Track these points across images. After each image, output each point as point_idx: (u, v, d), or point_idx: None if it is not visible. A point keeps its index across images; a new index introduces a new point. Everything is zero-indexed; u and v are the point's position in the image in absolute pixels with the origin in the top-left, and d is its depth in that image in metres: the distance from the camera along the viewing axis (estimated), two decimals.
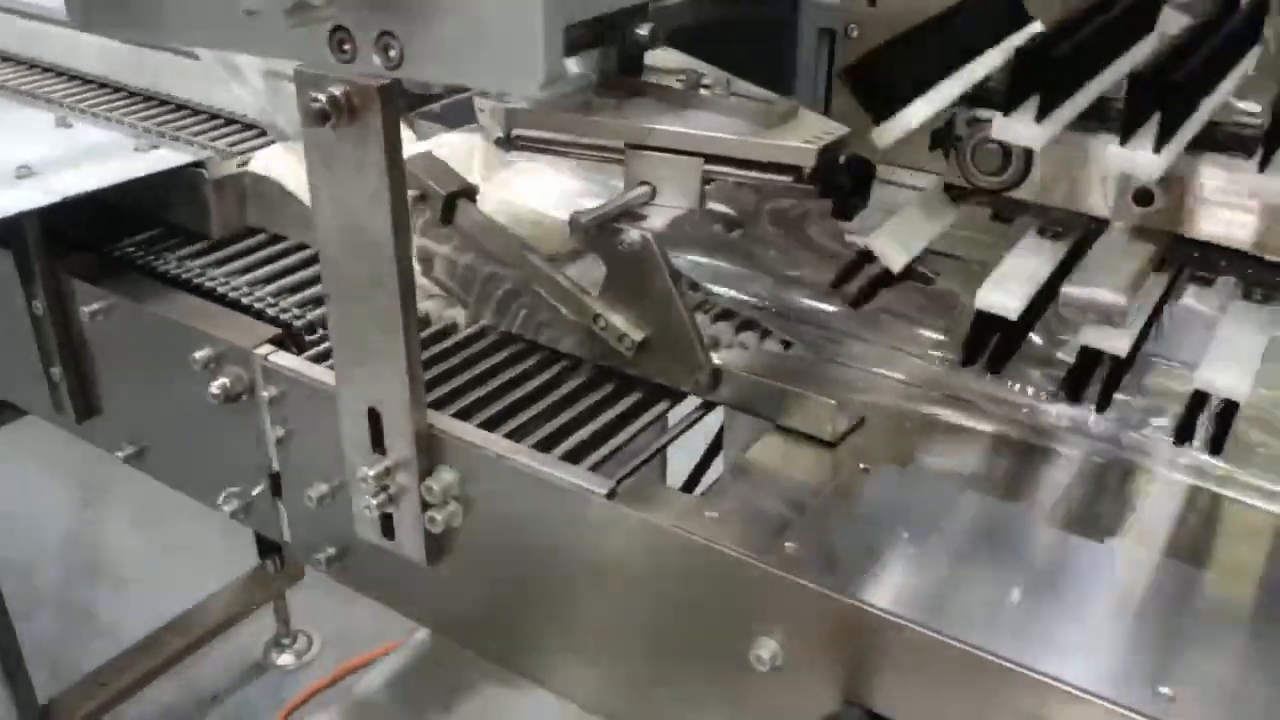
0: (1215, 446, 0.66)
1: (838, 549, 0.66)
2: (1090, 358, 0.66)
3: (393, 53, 0.50)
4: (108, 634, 1.91)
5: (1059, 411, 0.73)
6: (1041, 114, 0.63)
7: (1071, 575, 0.64)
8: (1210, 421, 0.66)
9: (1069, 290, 0.61)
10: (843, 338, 0.84)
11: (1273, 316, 0.67)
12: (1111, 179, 0.65)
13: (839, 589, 0.62)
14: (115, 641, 1.79)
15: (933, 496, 0.70)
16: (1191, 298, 0.73)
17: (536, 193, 0.91)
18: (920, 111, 0.69)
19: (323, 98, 0.62)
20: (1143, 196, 0.64)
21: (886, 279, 0.74)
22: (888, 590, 0.62)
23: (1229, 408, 0.64)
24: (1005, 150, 0.68)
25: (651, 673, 0.73)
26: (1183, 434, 0.66)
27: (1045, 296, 0.65)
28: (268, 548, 1.81)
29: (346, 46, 0.51)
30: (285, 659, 1.88)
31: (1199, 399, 0.65)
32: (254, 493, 0.92)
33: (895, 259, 0.73)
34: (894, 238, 0.73)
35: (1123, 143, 0.61)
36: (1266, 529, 0.67)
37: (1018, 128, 0.63)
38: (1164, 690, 0.55)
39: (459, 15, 0.46)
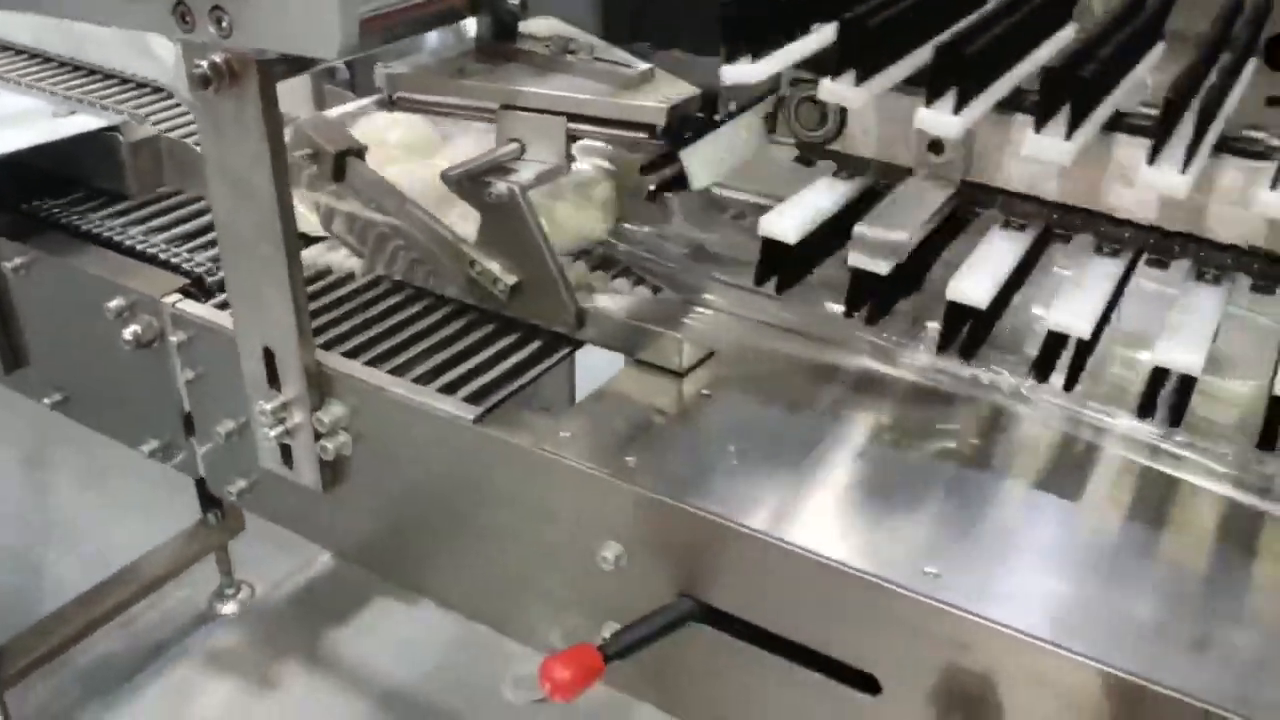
0: (1175, 417, 0.69)
1: (673, 462, 0.75)
2: (1056, 340, 0.70)
3: (224, 23, 0.58)
4: (56, 590, 1.98)
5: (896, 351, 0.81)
6: (860, 79, 0.70)
7: (872, 480, 0.73)
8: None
9: (860, 229, 0.69)
10: (707, 283, 0.92)
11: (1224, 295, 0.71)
12: (913, 134, 0.73)
13: (671, 495, 0.71)
14: (64, 596, 1.86)
15: (765, 418, 0.79)
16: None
17: None
18: (760, 69, 0.75)
19: (204, 64, 0.69)
20: (935, 146, 0.72)
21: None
22: (713, 496, 0.71)
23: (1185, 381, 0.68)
24: (822, 108, 0.76)
25: (519, 578, 0.81)
26: (1144, 410, 0.69)
27: (831, 228, 0.74)
28: (209, 502, 1.88)
29: (188, 18, 0.59)
30: (229, 608, 1.95)
31: (1159, 375, 0.68)
32: (170, 433, 0.99)
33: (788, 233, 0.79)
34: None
35: (928, 104, 0.68)
36: (1046, 440, 0.76)
37: (839, 89, 0.70)
38: (930, 569, 0.64)
39: None
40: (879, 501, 0.71)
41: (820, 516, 0.70)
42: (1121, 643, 0.60)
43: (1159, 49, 0.77)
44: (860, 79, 0.69)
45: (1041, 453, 0.76)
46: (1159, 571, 0.66)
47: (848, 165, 0.78)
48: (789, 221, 0.72)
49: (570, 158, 0.87)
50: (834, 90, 0.69)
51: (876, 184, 0.77)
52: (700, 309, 0.89)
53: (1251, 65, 0.74)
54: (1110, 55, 0.66)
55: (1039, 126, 0.64)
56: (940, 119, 0.67)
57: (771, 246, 0.73)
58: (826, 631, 0.68)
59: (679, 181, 0.80)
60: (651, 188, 0.80)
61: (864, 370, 0.81)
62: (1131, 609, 0.63)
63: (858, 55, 0.68)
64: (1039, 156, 0.64)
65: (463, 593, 0.86)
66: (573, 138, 0.86)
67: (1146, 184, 0.64)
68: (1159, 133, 0.63)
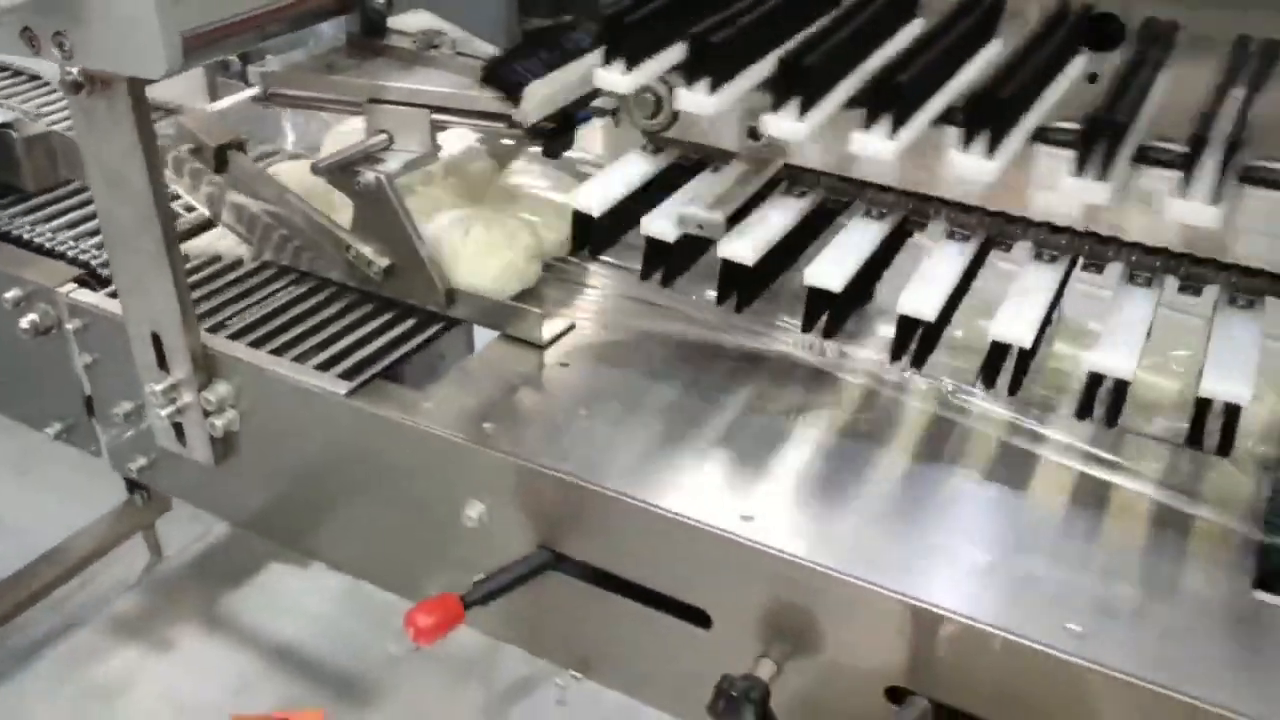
0: (1110, 419, 0.74)
1: (528, 426, 0.82)
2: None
3: (65, 47, 0.63)
4: None
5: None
6: (713, 88, 0.75)
7: (707, 439, 0.80)
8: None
9: (683, 210, 0.76)
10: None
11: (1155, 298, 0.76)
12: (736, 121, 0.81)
13: (523, 457, 0.78)
14: None
15: (616, 385, 0.86)
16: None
17: None
18: (630, 81, 0.80)
19: (74, 71, 0.75)
20: (753, 132, 0.79)
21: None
22: (563, 456, 0.78)
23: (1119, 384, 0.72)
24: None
25: (397, 539, 0.88)
26: (1083, 411, 0.74)
27: (636, 201, 0.82)
28: (135, 482, 1.92)
29: (34, 42, 0.64)
30: None
31: (1095, 379, 0.73)
32: (73, 415, 1.05)
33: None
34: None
35: (774, 109, 0.73)
36: (860, 395, 0.84)
37: (695, 99, 0.75)
38: (746, 514, 0.72)
39: (105, 21, 0.60)
40: (712, 457, 0.79)
41: (658, 472, 0.77)
42: (921, 576, 0.68)
43: (995, 45, 0.83)
44: (713, 88, 0.74)
45: (870, 413, 0.83)
46: (964, 511, 0.74)
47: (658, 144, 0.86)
48: (597, 197, 0.81)
49: (437, 146, 0.93)
50: (691, 100, 0.74)
51: (683, 160, 0.85)
52: (569, 284, 0.96)
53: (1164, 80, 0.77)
54: (933, 60, 0.73)
55: (867, 125, 0.70)
56: (782, 123, 0.72)
57: (579, 218, 0.81)
58: (664, 574, 0.76)
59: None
60: None
61: (714, 342, 0.89)
62: (931, 546, 0.71)
63: (708, 67, 0.74)
64: (866, 151, 0.70)
65: (348, 554, 0.93)
66: (440, 127, 0.92)
67: (1069, 193, 0.68)
68: (1082, 147, 0.67)
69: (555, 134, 0.91)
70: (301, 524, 0.94)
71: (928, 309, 0.74)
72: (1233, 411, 0.69)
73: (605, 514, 0.76)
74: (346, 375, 0.87)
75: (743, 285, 0.82)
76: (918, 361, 0.79)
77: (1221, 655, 0.64)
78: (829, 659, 0.72)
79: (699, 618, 0.76)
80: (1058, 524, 0.73)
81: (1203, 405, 0.70)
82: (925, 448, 0.79)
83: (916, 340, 0.77)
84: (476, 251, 0.91)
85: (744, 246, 0.78)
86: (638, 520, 0.75)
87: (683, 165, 0.85)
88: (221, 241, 1.05)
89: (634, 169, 0.85)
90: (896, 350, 0.78)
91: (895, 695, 0.70)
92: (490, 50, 0.95)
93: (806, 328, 0.80)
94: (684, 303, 0.91)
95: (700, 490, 0.75)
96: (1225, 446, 0.70)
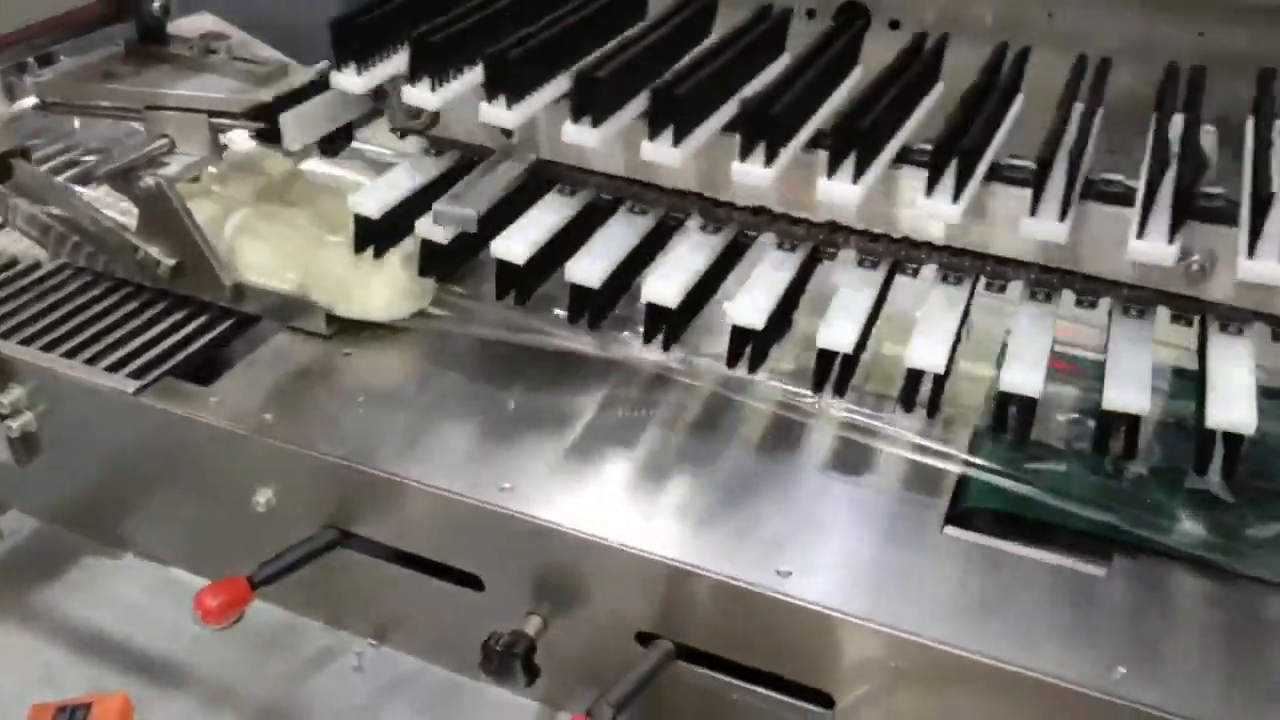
0: (931, 410, 0.82)
1: (307, 415, 0.87)
2: (914, 377, 0.80)
3: None
4: None
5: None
6: (434, 86, 0.81)
7: (472, 420, 0.87)
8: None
9: (438, 206, 0.82)
10: None
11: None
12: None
13: (300, 445, 0.84)
14: None
15: (397, 373, 0.92)
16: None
17: None
18: (362, 82, 0.85)
19: None
20: (505, 132, 0.85)
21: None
22: (339, 441, 0.84)
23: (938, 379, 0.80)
24: None
25: (197, 526, 0.93)
26: (907, 404, 0.81)
27: (417, 203, 0.88)
28: None
29: None
30: None
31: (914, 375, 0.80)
32: None
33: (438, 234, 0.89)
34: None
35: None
36: (643, 380, 0.91)
37: (418, 94, 0.82)
38: (505, 485, 0.79)
39: None
40: (476, 436, 0.85)
41: (428, 451, 0.83)
42: (668, 537, 0.76)
43: (783, 59, 0.91)
44: (434, 86, 0.81)
45: (651, 395, 0.90)
46: (714, 477, 0.82)
47: (439, 146, 0.92)
48: (374, 199, 0.87)
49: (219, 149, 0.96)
50: (414, 95, 0.81)
51: (464, 161, 0.90)
52: None
53: (1018, 105, 0.85)
54: (711, 75, 0.79)
55: (651, 136, 0.77)
56: (498, 112, 0.79)
57: (360, 221, 0.86)
58: (437, 544, 0.83)
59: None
60: None
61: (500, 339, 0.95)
62: (672, 505, 0.79)
63: (428, 65, 0.80)
64: (655, 159, 0.77)
65: (157, 544, 0.97)
66: (221, 130, 0.96)
67: (925, 211, 0.74)
68: (933, 167, 0.74)
69: (331, 137, 0.95)
70: (109, 517, 0.98)
71: (846, 341, 0.79)
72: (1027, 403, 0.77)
73: (379, 493, 0.82)
74: (136, 374, 0.91)
75: (519, 282, 0.88)
76: (824, 384, 0.83)
77: (923, 590, 0.73)
78: (586, 612, 0.79)
79: (473, 582, 0.83)
80: (798, 478, 0.81)
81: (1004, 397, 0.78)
82: (696, 425, 0.87)
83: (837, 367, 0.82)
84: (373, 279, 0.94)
85: (516, 245, 0.84)
86: (409, 497, 0.81)
87: (463, 166, 0.91)
88: (17, 245, 1.07)
89: (412, 171, 0.91)
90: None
91: (643, 639, 0.78)
92: (272, 54, 0.99)
93: (731, 363, 0.85)
94: (475, 303, 0.97)
95: (464, 466, 0.82)
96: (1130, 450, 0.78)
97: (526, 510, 0.78)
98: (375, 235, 0.90)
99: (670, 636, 0.77)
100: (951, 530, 0.77)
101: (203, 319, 0.98)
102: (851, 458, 0.83)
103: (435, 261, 0.91)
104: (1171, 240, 0.70)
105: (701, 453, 0.83)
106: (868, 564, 0.74)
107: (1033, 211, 0.73)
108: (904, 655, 0.70)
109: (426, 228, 0.87)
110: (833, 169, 0.75)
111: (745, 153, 0.76)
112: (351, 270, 0.93)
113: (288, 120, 0.89)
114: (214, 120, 0.94)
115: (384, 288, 0.94)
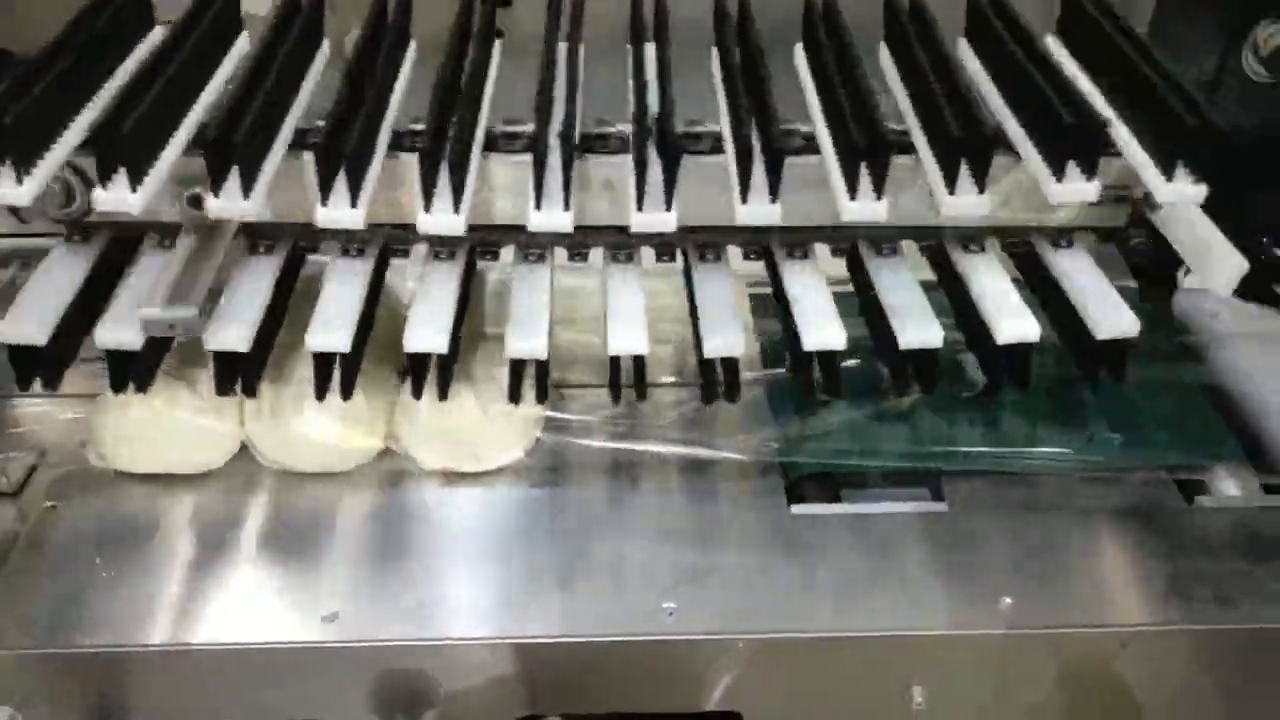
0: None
1: (33, 597, 0.69)
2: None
3: None
4: None
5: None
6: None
7: (243, 555, 0.74)
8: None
9: (147, 314, 0.66)
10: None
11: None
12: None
13: (37, 646, 0.67)
14: None
15: (121, 519, 0.76)
16: None
17: None
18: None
19: None
20: (195, 200, 0.70)
21: None
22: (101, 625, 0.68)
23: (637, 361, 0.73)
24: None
25: None
26: (614, 392, 0.76)
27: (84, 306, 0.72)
28: None
29: None
30: None
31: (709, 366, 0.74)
32: None
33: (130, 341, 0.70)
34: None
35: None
36: None
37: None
38: (328, 614, 0.68)
39: None
40: (270, 566, 0.72)
41: (215, 605, 0.69)
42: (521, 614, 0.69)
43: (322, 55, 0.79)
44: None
45: None
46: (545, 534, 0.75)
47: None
48: (28, 322, 0.69)
49: None
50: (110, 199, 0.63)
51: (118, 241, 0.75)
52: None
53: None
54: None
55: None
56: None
57: (22, 354, 0.69)
58: (262, 701, 0.69)
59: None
60: None
61: None
62: (511, 580, 0.71)
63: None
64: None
65: None
66: None
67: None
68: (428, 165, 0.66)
69: None
70: None
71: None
72: (731, 363, 0.75)
73: (164, 670, 0.67)
74: None
75: (245, 372, 0.73)
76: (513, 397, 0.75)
77: (794, 580, 0.71)
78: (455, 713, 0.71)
79: None
80: (610, 511, 0.76)
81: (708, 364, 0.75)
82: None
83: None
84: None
85: (237, 334, 0.69)
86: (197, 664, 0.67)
87: (121, 247, 0.74)
88: None
89: (64, 272, 0.73)
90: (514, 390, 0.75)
91: None
92: None
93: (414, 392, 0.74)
94: None
95: (272, 602, 0.69)
96: (732, 393, 0.76)
97: (359, 637, 0.67)
98: (44, 363, 0.71)
99: (556, 712, 0.70)
100: (797, 509, 0.76)
101: None
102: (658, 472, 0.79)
103: (128, 372, 0.73)
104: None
105: (501, 512, 0.76)
106: (738, 570, 0.72)
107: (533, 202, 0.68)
108: (801, 652, 0.69)
109: (114, 336, 0.70)
110: (217, 189, 0.64)
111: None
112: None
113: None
114: None
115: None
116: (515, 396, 0.74)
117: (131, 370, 0.72)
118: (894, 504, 0.77)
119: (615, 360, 0.74)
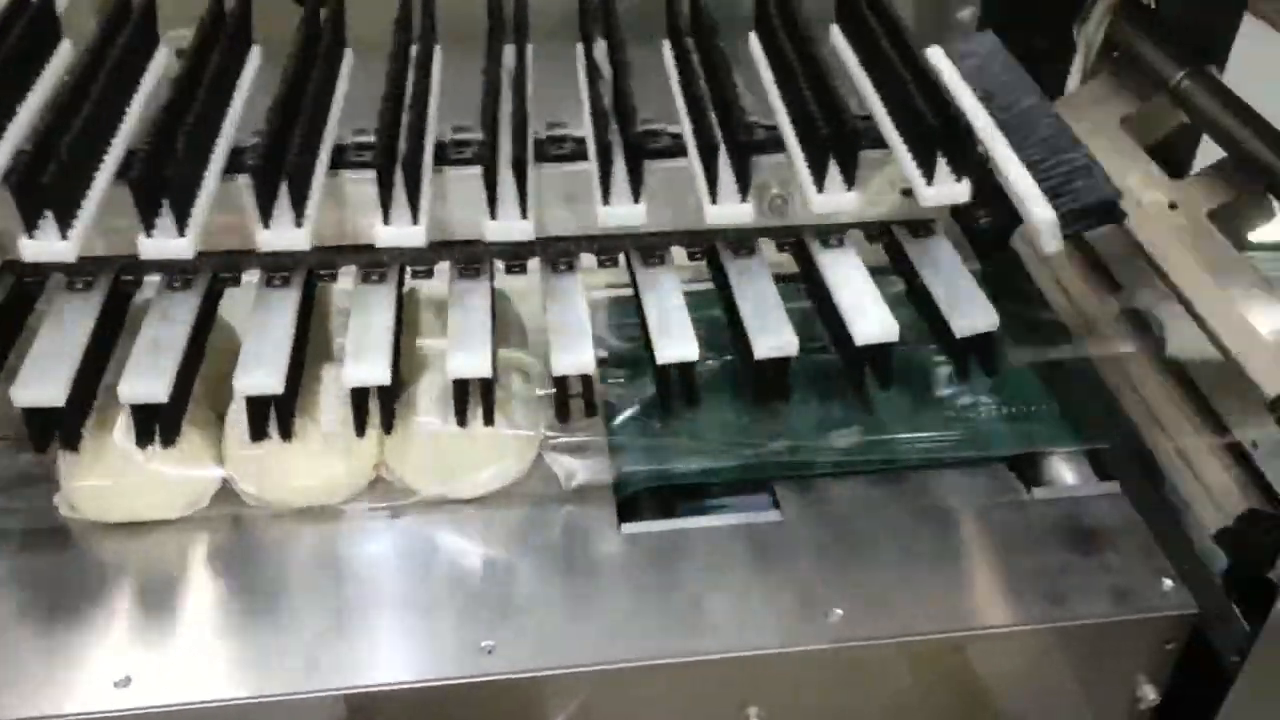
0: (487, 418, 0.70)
1: None
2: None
3: None
4: None
5: None
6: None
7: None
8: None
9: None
10: None
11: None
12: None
13: None
14: None
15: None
16: None
17: None
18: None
19: None
20: None
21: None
22: None
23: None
24: None
25: None
26: (461, 415, 0.70)
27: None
28: None
29: None
30: None
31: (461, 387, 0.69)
32: None
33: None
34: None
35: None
36: None
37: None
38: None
39: None
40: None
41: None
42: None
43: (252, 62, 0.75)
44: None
45: None
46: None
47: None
48: (49, 384, 0.63)
49: None
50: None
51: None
52: None
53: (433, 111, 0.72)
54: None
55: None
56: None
57: (42, 417, 0.65)
58: None
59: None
60: None
61: None
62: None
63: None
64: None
65: None
66: None
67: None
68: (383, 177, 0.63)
69: None
70: None
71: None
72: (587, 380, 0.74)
73: None
74: None
75: (164, 420, 0.69)
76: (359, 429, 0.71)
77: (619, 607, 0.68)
78: None
79: None
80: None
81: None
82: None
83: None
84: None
85: (153, 383, 0.64)
86: None
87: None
88: None
89: (69, 325, 0.67)
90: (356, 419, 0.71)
91: None
92: None
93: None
94: None
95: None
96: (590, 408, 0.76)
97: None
98: (68, 422, 0.67)
99: None
100: (628, 527, 0.73)
101: None
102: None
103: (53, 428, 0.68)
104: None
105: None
106: (563, 602, 0.68)
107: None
108: (629, 682, 0.66)
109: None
110: (149, 227, 0.60)
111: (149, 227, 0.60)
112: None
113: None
114: None
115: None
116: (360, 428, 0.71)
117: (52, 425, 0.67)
118: (727, 516, 0.74)
119: (664, 369, 0.69)
